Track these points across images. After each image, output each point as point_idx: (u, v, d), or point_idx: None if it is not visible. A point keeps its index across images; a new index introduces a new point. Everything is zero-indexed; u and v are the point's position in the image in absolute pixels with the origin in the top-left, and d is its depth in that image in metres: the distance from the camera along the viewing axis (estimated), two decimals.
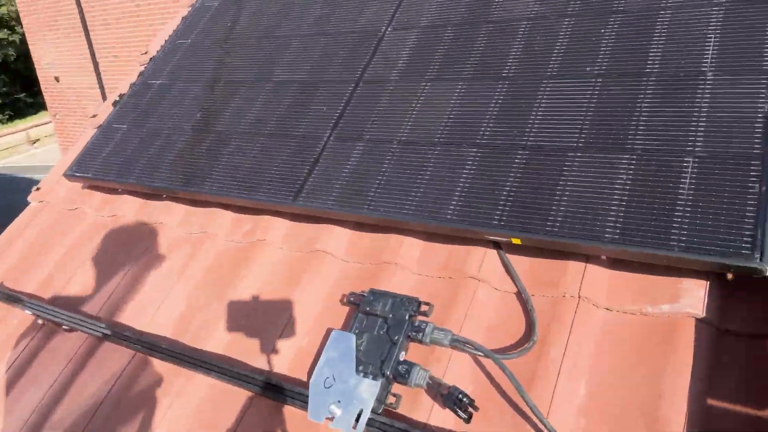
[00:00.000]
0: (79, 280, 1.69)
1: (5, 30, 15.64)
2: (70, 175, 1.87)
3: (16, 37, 15.99)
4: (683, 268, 1.07)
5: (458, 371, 1.15)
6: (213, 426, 1.25)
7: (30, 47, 9.93)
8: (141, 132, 1.87)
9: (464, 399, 1.02)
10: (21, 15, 9.57)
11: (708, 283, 1.05)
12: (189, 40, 2.13)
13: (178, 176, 1.67)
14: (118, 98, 2.08)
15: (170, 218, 1.74)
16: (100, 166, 1.83)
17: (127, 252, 1.71)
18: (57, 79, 10.12)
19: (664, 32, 1.27)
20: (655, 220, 1.05)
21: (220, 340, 1.38)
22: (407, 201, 1.32)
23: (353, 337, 1.18)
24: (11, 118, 17.50)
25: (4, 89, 17.29)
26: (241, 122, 1.73)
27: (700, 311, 1.02)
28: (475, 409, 1.03)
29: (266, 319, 1.37)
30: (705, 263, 0.98)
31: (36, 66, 10.36)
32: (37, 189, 2.08)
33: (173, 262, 1.62)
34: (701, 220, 1.01)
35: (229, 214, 1.67)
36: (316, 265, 1.43)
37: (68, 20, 8.98)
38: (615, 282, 1.16)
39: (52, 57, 9.88)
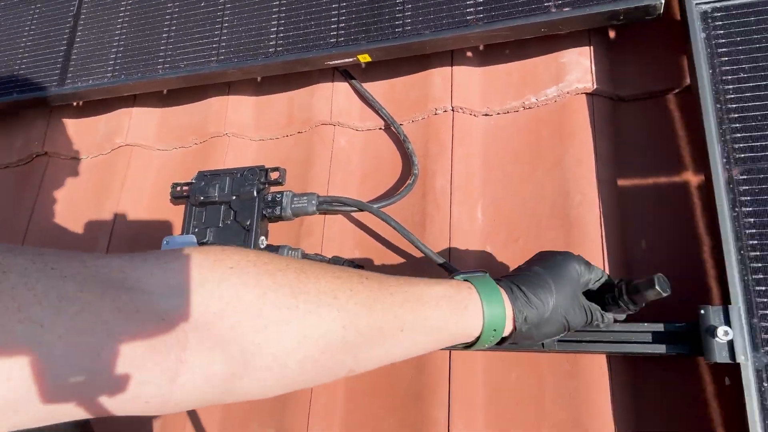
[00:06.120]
0: None
1: None
2: None
3: None
4: (560, 35, 0.87)
5: (339, 239, 0.93)
6: None
7: None
8: None
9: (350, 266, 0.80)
10: None
11: (591, 48, 0.88)
12: None
13: None
14: None
15: None
16: None
17: None
18: None
19: None
20: None
21: None
22: (214, 43, 0.97)
23: (193, 239, 0.89)
24: None
25: None
26: None
27: (590, 83, 0.85)
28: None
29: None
30: (587, 18, 0.78)
31: None
32: None
33: None
34: None
35: None
36: (124, 166, 1.07)
37: None
38: (489, 79, 0.95)
39: None
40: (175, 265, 0.43)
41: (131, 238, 1.03)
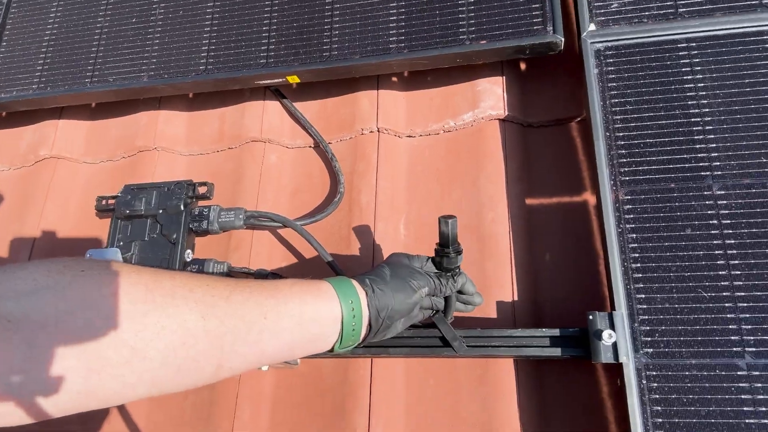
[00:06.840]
0: None
1: None
2: None
3: None
4: (477, 65, 0.95)
5: (267, 254, 0.95)
6: None
7: None
8: None
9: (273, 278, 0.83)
10: None
11: (504, 78, 0.96)
12: None
13: None
14: None
15: None
16: None
17: None
18: None
19: None
20: (440, 16, 0.89)
21: None
22: (144, 59, 0.98)
23: (117, 252, 0.89)
24: None
25: None
26: None
27: (502, 110, 0.92)
28: None
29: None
30: (497, 51, 0.85)
31: None
32: None
33: None
34: (486, 8, 0.88)
35: None
36: (48, 178, 1.05)
37: None
38: (412, 104, 1.01)
39: None
40: (22, 274, 0.44)
41: (53, 252, 1.01)
